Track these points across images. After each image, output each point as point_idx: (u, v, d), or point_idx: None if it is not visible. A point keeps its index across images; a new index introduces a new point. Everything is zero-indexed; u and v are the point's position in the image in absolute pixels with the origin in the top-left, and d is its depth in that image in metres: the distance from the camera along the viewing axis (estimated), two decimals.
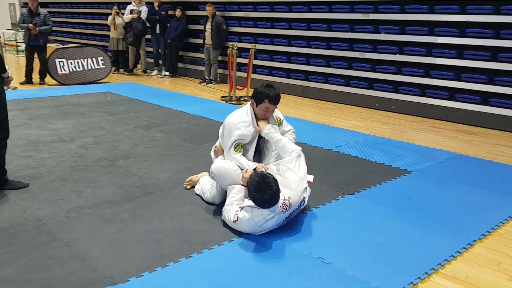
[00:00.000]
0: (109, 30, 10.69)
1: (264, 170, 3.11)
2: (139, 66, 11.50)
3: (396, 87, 7.17)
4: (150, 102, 7.38)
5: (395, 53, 7.10)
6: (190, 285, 2.41)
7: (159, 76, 10.59)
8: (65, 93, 8.02)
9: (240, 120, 3.32)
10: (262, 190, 2.81)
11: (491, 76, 6.22)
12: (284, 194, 2.96)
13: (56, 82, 9.00)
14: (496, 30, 6.12)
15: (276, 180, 2.90)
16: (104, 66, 9.54)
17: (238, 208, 3.02)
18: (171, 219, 3.18)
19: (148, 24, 10.26)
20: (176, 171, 4.16)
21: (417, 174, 4.22)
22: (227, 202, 3.13)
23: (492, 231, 3.15)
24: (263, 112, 3.34)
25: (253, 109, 3.38)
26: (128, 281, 2.43)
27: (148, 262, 2.61)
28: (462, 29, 6.42)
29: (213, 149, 3.64)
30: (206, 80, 9.66)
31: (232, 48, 7.75)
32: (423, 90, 6.87)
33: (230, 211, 3.04)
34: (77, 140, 5.08)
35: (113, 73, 10.75)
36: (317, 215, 3.31)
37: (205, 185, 3.53)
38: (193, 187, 3.72)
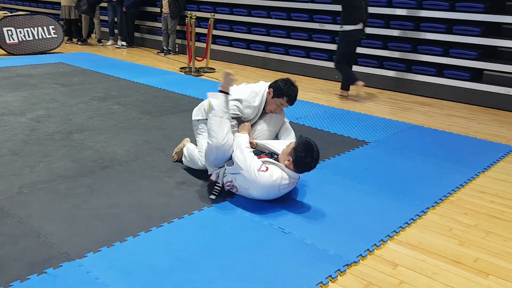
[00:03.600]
0: None
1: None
2: (93, 35, 11.07)
3: (355, 59, 7.23)
4: (105, 73, 7.14)
5: None
6: (149, 258, 2.39)
7: (115, 46, 10.24)
8: (14, 64, 7.63)
9: (256, 102, 3.36)
10: (310, 150, 2.93)
11: (446, 48, 6.37)
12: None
13: (4, 52, 8.55)
14: (452, 3, 6.24)
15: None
16: (56, 36, 9.12)
17: (261, 161, 2.95)
18: (130, 193, 3.12)
19: None
20: (134, 144, 4.07)
21: (374, 145, 4.31)
22: (240, 144, 2.98)
23: (444, 198, 3.27)
24: (276, 106, 3.42)
25: (266, 96, 3.40)
26: (85, 257, 2.38)
27: (106, 237, 2.57)
28: (419, 1, 6.50)
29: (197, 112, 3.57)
30: (164, 51, 9.42)
31: (191, 17, 7.56)
32: (381, 62, 6.96)
33: (255, 159, 2.92)
34: (28, 113, 4.87)
35: (66, 42, 10.31)
36: None
37: (193, 154, 3.44)
38: (181, 158, 3.67)
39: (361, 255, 2.52)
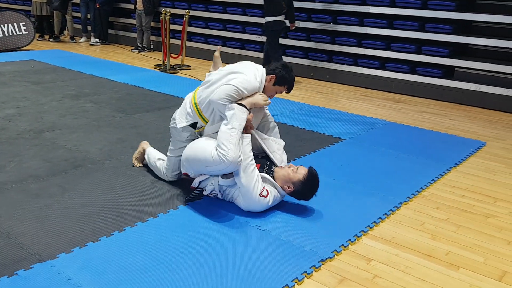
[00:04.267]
0: None
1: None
2: (65, 32, 10.85)
3: (330, 56, 7.29)
4: (78, 71, 7.01)
5: (329, 23, 7.18)
6: (123, 258, 2.36)
7: (88, 43, 10.07)
8: None
9: (252, 79, 2.95)
10: (315, 188, 2.91)
11: (419, 46, 6.48)
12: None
13: None
14: (424, 1, 6.34)
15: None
16: (26, 32, 8.91)
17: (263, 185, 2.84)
18: (103, 192, 3.07)
19: None
20: (107, 142, 4.01)
21: (349, 142, 4.36)
22: (245, 159, 2.78)
23: (417, 193, 3.33)
24: (274, 93, 3.13)
25: (265, 82, 3.05)
26: (57, 257, 2.34)
27: (78, 237, 2.52)
28: None
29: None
30: (139, 48, 9.31)
31: (165, 14, 7.49)
32: (355, 60, 7.03)
33: (259, 181, 2.81)
34: None
35: (37, 39, 10.08)
36: None
37: (158, 167, 3.29)
38: (143, 162, 3.52)
39: (335, 250, 2.54)
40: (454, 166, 3.87)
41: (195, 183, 2.98)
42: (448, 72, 6.38)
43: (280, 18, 6.39)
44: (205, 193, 2.98)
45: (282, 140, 3.29)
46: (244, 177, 2.76)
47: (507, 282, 2.37)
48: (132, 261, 2.34)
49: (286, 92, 3.20)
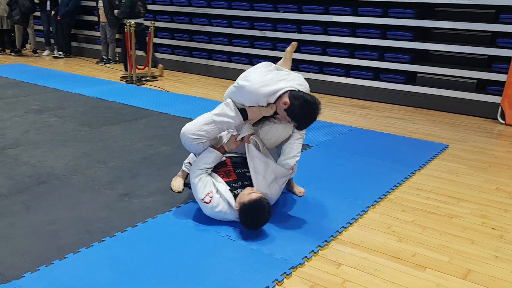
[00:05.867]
0: None
1: (251, 139, 2.93)
2: (27, 46, 10.60)
3: (297, 65, 7.37)
4: (42, 85, 6.85)
5: (294, 32, 7.28)
6: (91, 274, 2.32)
7: (52, 56, 9.87)
8: None
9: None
10: (256, 214, 2.71)
11: (381, 53, 6.64)
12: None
13: None
14: (385, 9, 6.51)
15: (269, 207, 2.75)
16: None
17: (212, 188, 2.83)
18: (69, 208, 3.01)
19: (36, 0, 9.45)
20: (73, 157, 3.93)
21: (317, 148, 4.41)
22: (199, 163, 2.88)
23: (383, 197, 3.39)
24: (285, 121, 2.92)
25: (278, 104, 2.81)
26: (22, 277, 2.28)
27: (44, 255, 2.46)
28: (354, 8, 6.74)
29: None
30: (104, 60, 9.18)
31: (130, 26, 7.43)
32: (321, 68, 7.14)
33: (206, 185, 2.82)
34: None
35: None
36: None
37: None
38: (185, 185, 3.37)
39: (306, 256, 2.56)
40: (418, 169, 3.97)
41: None
42: (410, 78, 6.55)
43: (139, 20, 7.89)
44: None
45: (287, 165, 3.02)
46: (191, 178, 2.93)
47: (471, 280, 2.44)
48: (100, 277, 2.30)
49: (296, 128, 2.96)
